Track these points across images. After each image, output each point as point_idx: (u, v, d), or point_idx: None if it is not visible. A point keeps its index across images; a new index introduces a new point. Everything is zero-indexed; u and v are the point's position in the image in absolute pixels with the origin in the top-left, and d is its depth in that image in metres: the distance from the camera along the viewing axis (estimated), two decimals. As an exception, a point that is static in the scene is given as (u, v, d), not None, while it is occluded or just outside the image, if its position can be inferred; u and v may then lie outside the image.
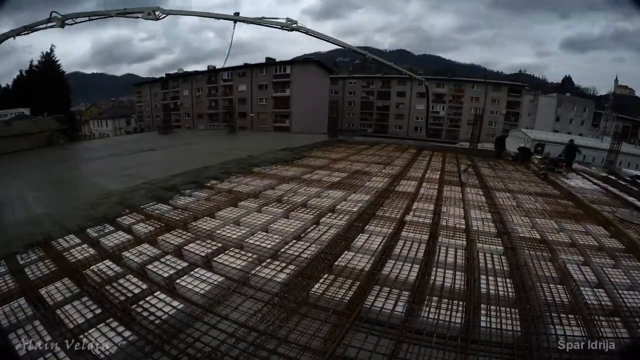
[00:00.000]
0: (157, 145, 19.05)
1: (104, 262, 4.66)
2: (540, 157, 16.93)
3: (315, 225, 6.07)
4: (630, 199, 9.04)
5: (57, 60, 34.45)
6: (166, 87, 44.93)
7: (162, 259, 4.68)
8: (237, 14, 13.07)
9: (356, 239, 5.37)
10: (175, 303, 3.67)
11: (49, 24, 11.90)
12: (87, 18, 12.35)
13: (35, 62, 33.22)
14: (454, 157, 15.07)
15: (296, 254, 4.84)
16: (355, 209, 6.85)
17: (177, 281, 4.14)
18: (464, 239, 5.52)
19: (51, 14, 11.70)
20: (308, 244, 5.18)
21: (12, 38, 12.30)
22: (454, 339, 3.17)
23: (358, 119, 47.87)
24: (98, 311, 3.54)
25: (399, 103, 45.66)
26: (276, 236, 5.51)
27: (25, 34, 12.34)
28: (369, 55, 16.14)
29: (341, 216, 6.50)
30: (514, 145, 24.83)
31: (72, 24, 12.15)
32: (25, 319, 3.43)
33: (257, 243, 5.20)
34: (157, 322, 3.38)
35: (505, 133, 21.57)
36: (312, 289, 3.92)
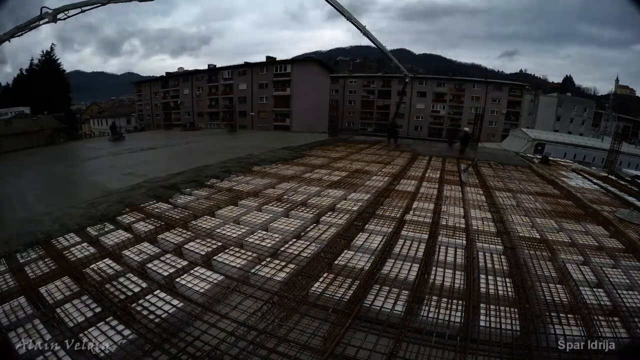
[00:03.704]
0: (157, 143, 19.05)
1: (104, 260, 4.67)
2: (540, 156, 16.92)
3: (315, 224, 6.07)
4: (630, 199, 9.04)
5: (57, 59, 34.40)
6: (166, 85, 44.90)
7: (162, 258, 4.69)
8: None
9: (356, 238, 5.37)
10: (175, 302, 3.67)
11: (41, 21, 11.77)
12: (80, 10, 12.18)
13: (35, 61, 33.15)
14: (454, 157, 15.04)
15: (296, 252, 4.85)
16: (355, 208, 6.85)
17: (177, 280, 4.14)
18: (464, 239, 5.53)
19: (42, 10, 11.53)
20: (308, 243, 5.18)
21: (8, 42, 12.19)
22: (453, 338, 3.17)
23: (358, 118, 47.79)
24: (98, 310, 3.55)
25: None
26: (276, 235, 5.51)
27: (19, 36, 12.24)
28: (367, 31, 16.05)
29: (341, 215, 6.49)
30: (515, 145, 24.89)
31: (64, 18, 12.00)
32: (25, 318, 3.43)
33: (257, 242, 5.20)
34: (156, 320, 3.39)
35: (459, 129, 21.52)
36: (312, 288, 3.93)
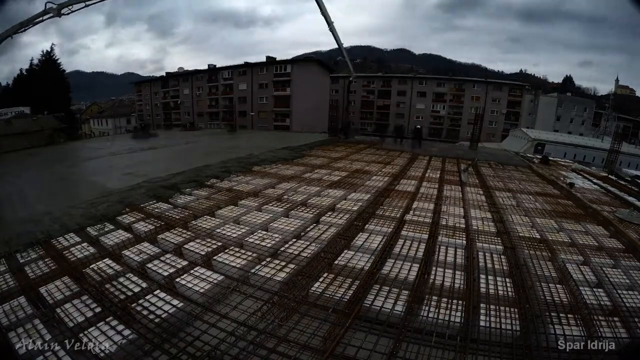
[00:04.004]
0: (157, 143, 19.05)
1: (104, 260, 4.67)
2: (540, 156, 16.93)
3: (315, 224, 6.07)
4: (630, 199, 9.04)
5: (58, 59, 34.39)
6: (166, 85, 44.90)
7: (162, 258, 4.69)
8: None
9: (356, 238, 5.37)
10: (175, 302, 3.68)
11: (45, 16, 11.82)
12: (83, 4, 12.26)
13: (35, 61, 33.12)
14: (454, 157, 15.03)
15: (296, 252, 4.85)
16: (355, 208, 6.84)
17: (177, 280, 4.14)
18: (464, 239, 5.53)
19: (46, 5, 11.62)
20: (308, 243, 5.18)
21: (10, 37, 12.20)
22: (453, 338, 3.17)
23: (358, 118, 47.72)
24: (98, 310, 3.55)
25: (400, 102, 45.53)
26: (276, 235, 5.51)
27: (22, 32, 12.26)
28: (333, 27, 16.79)
29: (341, 215, 6.49)
30: (515, 145, 24.89)
31: (68, 13, 12.05)
32: (25, 318, 3.43)
33: (257, 242, 5.20)
34: (156, 320, 3.39)
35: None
36: (312, 288, 3.93)
